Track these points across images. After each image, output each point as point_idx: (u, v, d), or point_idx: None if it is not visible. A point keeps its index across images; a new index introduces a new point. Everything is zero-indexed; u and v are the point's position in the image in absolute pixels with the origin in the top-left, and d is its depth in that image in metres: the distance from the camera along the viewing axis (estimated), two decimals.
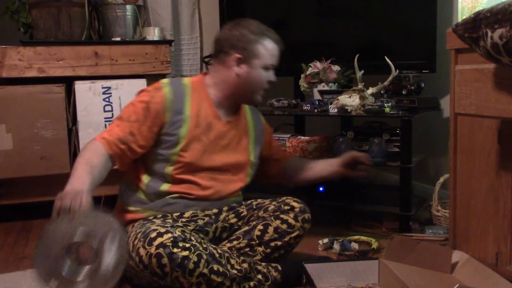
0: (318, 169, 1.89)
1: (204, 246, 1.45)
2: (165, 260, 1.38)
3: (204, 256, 1.42)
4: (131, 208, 1.67)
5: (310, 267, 1.52)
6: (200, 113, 1.66)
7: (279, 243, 1.65)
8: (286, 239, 1.65)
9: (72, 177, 1.48)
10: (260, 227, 1.66)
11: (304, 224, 1.68)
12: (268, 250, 1.65)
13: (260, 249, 1.64)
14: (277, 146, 2.01)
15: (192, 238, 1.45)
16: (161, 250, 1.38)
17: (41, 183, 2.43)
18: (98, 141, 1.57)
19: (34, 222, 2.44)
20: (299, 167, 1.91)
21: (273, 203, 1.73)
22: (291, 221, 1.67)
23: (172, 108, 1.61)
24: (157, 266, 1.38)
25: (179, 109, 1.62)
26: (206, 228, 1.65)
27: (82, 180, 1.46)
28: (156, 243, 1.39)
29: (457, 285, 1.27)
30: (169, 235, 1.41)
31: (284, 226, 1.66)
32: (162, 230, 1.43)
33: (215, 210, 1.68)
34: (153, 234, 1.42)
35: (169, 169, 1.62)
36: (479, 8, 1.88)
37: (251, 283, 1.53)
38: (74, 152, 2.47)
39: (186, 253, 1.39)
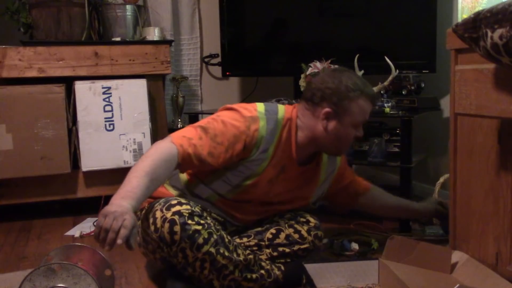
0: (411, 209, 1.96)
1: (217, 227, 1.48)
2: (177, 228, 1.40)
3: (215, 236, 1.44)
4: (167, 186, 1.65)
5: (310, 267, 1.52)
6: (281, 154, 1.59)
7: (287, 250, 1.65)
8: (295, 248, 1.65)
9: (124, 187, 1.33)
10: (272, 230, 1.66)
11: (316, 240, 1.68)
12: (275, 254, 1.64)
13: (268, 250, 1.64)
14: (353, 180, 1.90)
15: (208, 218, 1.48)
16: (176, 217, 1.40)
17: (41, 183, 2.43)
18: (175, 147, 1.44)
19: (34, 222, 2.44)
20: (385, 203, 1.94)
21: (290, 212, 1.73)
22: (304, 233, 1.67)
23: (261, 145, 1.54)
24: (168, 231, 1.40)
25: (266, 148, 1.55)
26: (226, 225, 1.67)
27: (131, 195, 1.31)
28: (174, 209, 1.42)
29: (458, 285, 1.27)
30: (188, 206, 1.44)
31: (296, 236, 1.66)
32: (184, 201, 1.46)
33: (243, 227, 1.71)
34: (174, 201, 1.45)
35: (229, 195, 1.60)
36: (479, 8, 1.88)
37: (254, 275, 1.53)
38: (74, 152, 2.47)
39: (199, 227, 1.42)
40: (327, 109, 1.57)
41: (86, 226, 2.34)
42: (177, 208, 1.43)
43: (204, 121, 1.55)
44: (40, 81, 2.41)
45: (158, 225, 1.42)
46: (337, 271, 1.57)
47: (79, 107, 2.45)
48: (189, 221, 1.41)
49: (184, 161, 1.46)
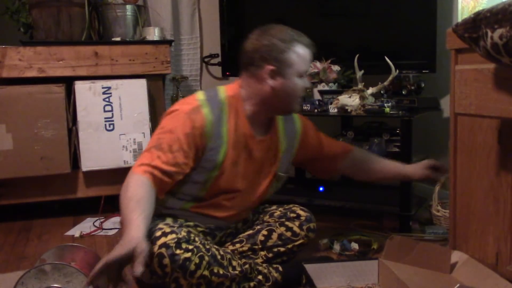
0: (402, 169, 1.83)
1: (207, 247, 1.44)
2: (166, 261, 1.37)
3: (206, 258, 1.42)
4: None
5: (309, 267, 1.52)
6: (237, 134, 1.56)
7: (282, 249, 1.65)
8: (290, 246, 1.65)
9: (127, 224, 1.30)
10: (264, 232, 1.65)
11: (309, 233, 1.68)
12: (270, 255, 1.64)
13: (263, 253, 1.64)
14: (328, 143, 1.85)
15: (196, 239, 1.44)
16: (163, 250, 1.37)
17: (41, 183, 2.43)
18: (142, 176, 1.41)
19: (34, 222, 2.44)
20: (374, 164, 1.83)
21: (280, 209, 1.73)
22: (296, 229, 1.66)
23: (212, 132, 1.51)
24: (158, 265, 1.38)
25: (218, 133, 1.53)
26: (216, 232, 1.65)
27: (136, 227, 1.28)
28: (159, 242, 1.38)
29: (458, 285, 1.27)
30: (173, 235, 1.40)
31: (289, 234, 1.65)
32: (168, 230, 1.42)
33: (229, 230, 1.69)
34: (158, 233, 1.40)
35: (202, 193, 1.57)
36: (479, 8, 1.88)
37: (251, 284, 1.53)
38: (74, 152, 2.47)
39: (188, 254, 1.39)
40: (269, 67, 1.53)
41: (86, 226, 2.34)
42: (162, 240, 1.38)
43: (154, 140, 1.50)
44: (40, 81, 2.41)
45: (147, 261, 1.35)
46: (337, 271, 1.57)
47: (79, 107, 2.45)
48: (177, 251, 1.37)
49: (158, 185, 1.43)
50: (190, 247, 1.40)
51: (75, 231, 2.24)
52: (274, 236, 1.65)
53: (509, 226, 1.44)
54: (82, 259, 1.44)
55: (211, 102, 1.55)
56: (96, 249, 1.48)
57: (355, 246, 1.92)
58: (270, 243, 1.64)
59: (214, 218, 1.62)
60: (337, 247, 1.91)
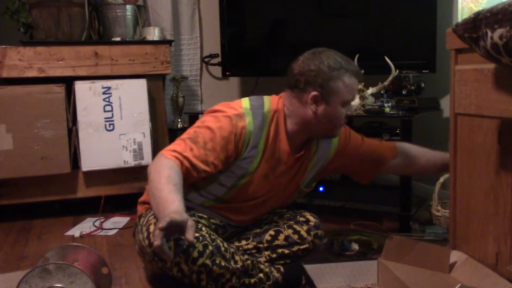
0: (444, 158, 1.79)
1: (213, 237, 1.46)
2: (171, 243, 1.37)
3: (210, 248, 1.43)
4: None
5: (309, 268, 1.52)
6: (273, 148, 1.58)
7: (286, 251, 1.65)
8: (295, 249, 1.65)
9: (163, 201, 1.33)
10: (271, 232, 1.66)
11: (316, 239, 1.68)
12: (274, 255, 1.64)
13: (267, 252, 1.64)
14: (369, 146, 1.81)
15: (204, 228, 1.46)
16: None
17: (41, 183, 2.43)
18: (172, 160, 1.44)
19: (34, 222, 2.44)
20: (424, 156, 1.83)
21: (290, 211, 1.73)
22: (303, 233, 1.66)
23: (250, 142, 1.53)
24: None
25: (255, 143, 1.54)
26: (227, 228, 1.67)
27: (173, 201, 1.32)
28: None
29: (459, 285, 1.27)
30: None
31: (295, 237, 1.65)
32: None
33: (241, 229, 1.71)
34: None
35: (226, 196, 1.59)
36: (479, 8, 1.88)
37: (252, 280, 1.53)
38: (74, 152, 2.47)
39: (193, 240, 1.39)
40: (314, 93, 1.53)
41: (86, 226, 2.34)
42: None
43: (191, 132, 1.53)
44: (40, 81, 2.41)
45: (152, 239, 1.38)
46: (336, 271, 1.57)
47: (79, 107, 2.45)
48: (182, 236, 1.38)
49: (184, 175, 1.45)
50: (196, 234, 1.40)
51: (75, 231, 2.24)
52: (281, 237, 1.65)
53: (509, 226, 1.44)
54: (85, 259, 1.45)
55: (255, 112, 1.56)
56: (96, 249, 1.48)
57: (355, 246, 1.92)
58: (275, 243, 1.64)
59: (229, 220, 1.65)
60: (337, 247, 1.91)
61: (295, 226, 1.67)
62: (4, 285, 1.67)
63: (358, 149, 1.79)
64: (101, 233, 2.25)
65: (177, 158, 1.45)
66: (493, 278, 1.40)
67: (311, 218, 1.70)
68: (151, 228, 1.44)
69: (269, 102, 1.61)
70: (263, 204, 1.67)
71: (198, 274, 1.43)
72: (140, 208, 1.66)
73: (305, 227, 1.67)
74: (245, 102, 1.60)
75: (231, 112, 1.54)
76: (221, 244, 1.47)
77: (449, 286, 1.45)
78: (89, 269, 1.40)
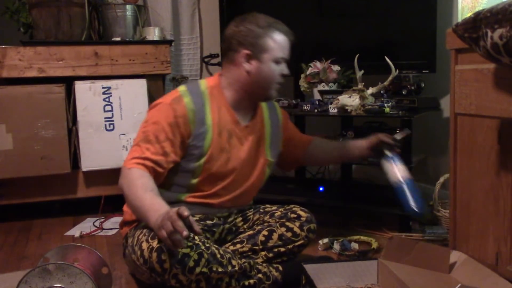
0: (345, 151, 1.87)
1: (207, 245, 1.45)
2: (165, 256, 1.38)
3: (205, 256, 1.42)
4: None
5: (309, 268, 1.52)
6: (220, 120, 1.62)
7: (282, 249, 1.65)
8: (290, 246, 1.65)
9: (149, 208, 1.40)
10: (264, 232, 1.65)
11: (309, 234, 1.68)
12: (271, 255, 1.64)
13: (263, 253, 1.64)
14: (295, 131, 1.92)
15: (196, 237, 1.45)
16: (162, 244, 1.38)
17: (41, 183, 2.43)
18: (136, 168, 1.49)
19: (34, 222, 2.44)
20: (325, 148, 1.91)
21: (280, 209, 1.73)
22: (296, 229, 1.66)
23: (195, 119, 1.57)
24: (156, 261, 1.38)
25: (202, 120, 1.58)
26: (214, 229, 1.66)
27: (158, 205, 1.40)
28: (158, 237, 1.39)
29: (459, 285, 1.27)
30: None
31: (289, 234, 1.65)
32: None
33: (225, 213, 1.70)
34: None
35: (194, 181, 1.61)
36: (479, 8, 1.88)
37: (251, 281, 1.53)
38: (74, 152, 2.47)
39: (187, 250, 1.39)
40: (245, 51, 1.60)
41: (86, 226, 2.34)
42: None
43: (140, 134, 1.57)
44: (40, 81, 2.41)
45: (146, 256, 1.40)
46: (336, 271, 1.57)
47: (79, 107, 2.45)
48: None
49: (153, 176, 1.51)
50: (189, 243, 1.41)
51: (75, 231, 2.24)
52: (275, 236, 1.65)
53: (509, 226, 1.44)
54: (85, 259, 1.45)
55: (192, 92, 1.61)
56: (96, 249, 1.48)
57: (355, 246, 1.92)
58: (270, 243, 1.64)
59: (210, 207, 1.64)
60: (337, 247, 1.91)
61: (287, 223, 1.67)
62: (4, 285, 1.67)
63: (290, 130, 1.87)
64: (101, 233, 2.25)
65: (139, 163, 1.50)
66: (493, 278, 1.41)
67: (302, 213, 1.70)
68: (144, 245, 1.42)
69: (205, 81, 1.68)
70: (235, 183, 1.66)
71: (197, 282, 1.43)
72: (124, 229, 1.68)
73: (297, 223, 1.67)
74: (181, 86, 1.66)
75: (168, 99, 1.59)
76: (216, 251, 1.46)
77: (449, 286, 1.45)
78: (89, 269, 1.40)
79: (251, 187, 1.72)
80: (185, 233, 1.24)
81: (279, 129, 1.80)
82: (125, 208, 1.70)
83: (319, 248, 1.96)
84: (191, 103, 1.58)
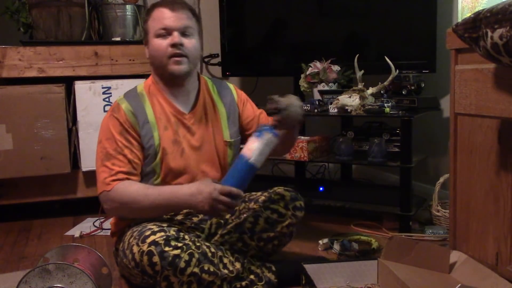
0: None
1: (197, 245, 1.45)
2: (156, 258, 1.38)
3: (196, 255, 1.43)
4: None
5: (309, 268, 1.52)
6: (162, 113, 1.62)
7: (271, 234, 1.62)
8: (278, 228, 1.62)
9: (178, 200, 1.51)
10: (250, 219, 1.63)
11: (296, 212, 1.64)
12: (261, 243, 1.62)
13: (253, 243, 1.61)
14: (254, 110, 1.81)
15: (186, 237, 1.45)
16: (152, 247, 1.39)
17: (41, 183, 2.43)
18: (115, 185, 1.52)
19: (34, 222, 2.44)
20: None
21: (264, 194, 1.69)
22: (281, 210, 1.62)
23: (137, 120, 1.59)
24: (148, 264, 1.39)
25: (144, 119, 1.60)
26: (201, 225, 1.65)
27: (180, 190, 1.52)
28: (148, 240, 1.41)
29: (459, 285, 1.27)
30: (162, 233, 1.42)
31: (275, 216, 1.62)
32: (156, 229, 1.45)
33: None
34: (147, 232, 1.43)
35: (157, 181, 1.61)
36: (479, 8, 1.88)
37: (243, 283, 1.52)
38: (74, 152, 2.47)
39: (177, 251, 1.40)
40: (144, 41, 1.67)
41: (86, 226, 2.34)
42: (152, 238, 1.41)
43: (99, 155, 1.58)
44: (40, 81, 2.41)
45: (138, 259, 1.41)
46: (336, 271, 1.57)
47: (79, 107, 2.45)
48: (166, 248, 1.39)
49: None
50: (180, 244, 1.41)
51: (75, 231, 2.24)
52: (261, 221, 1.62)
53: (509, 226, 1.44)
54: (85, 259, 1.45)
55: (128, 96, 1.65)
56: (96, 249, 1.48)
57: (355, 246, 1.92)
58: (257, 228, 1.61)
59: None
60: (337, 247, 1.91)
61: (271, 206, 1.63)
62: (4, 285, 1.67)
63: (249, 110, 1.79)
64: (101, 233, 2.25)
65: (114, 180, 1.52)
66: (493, 278, 1.41)
67: (285, 193, 1.66)
68: (135, 249, 1.42)
69: (142, 83, 1.71)
70: (199, 171, 1.65)
71: (189, 284, 1.43)
72: (114, 239, 1.71)
73: (282, 203, 1.63)
74: (120, 96, 1.69)
75: (109, 112, 1.63)
76: (207, 250, 1.47)
77: (449, 286, 1.45)
78: (89, 269, 1.40)
79: (217, 173, 1.70)
80: (236, 202, 1.44)
81: (235, 109, 1.76)
82: (113, 221, 1.72)
83: (319, 248, 1.96)
84: (129, 106, 1.60)
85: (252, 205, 1.68)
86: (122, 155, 1.55)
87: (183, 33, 1.59)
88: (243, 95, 1.84)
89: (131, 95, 1.65)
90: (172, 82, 1.64)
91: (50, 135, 2.39)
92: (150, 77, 1.70)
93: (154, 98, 1.64)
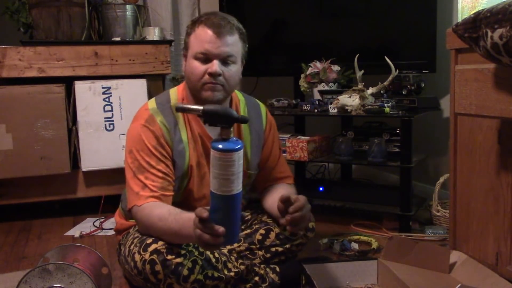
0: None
1: (201, 251, 1.43)
2: (158, 267, 1.37)
3: (199, 262, 1.41)
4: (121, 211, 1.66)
5: (309, 268, 1.52)
6: (194, 135, 1.56)
7: (280, 249, 1.63)
8: (288, 245, 1.63)
9: (183, 234, 1.34)
10: (262, 231, 1.63)
11: (308, 232, 1.66)
12: (268, 255, 1.62)
13: (260, 253, 1.62)
14: (276, 161, 1.72)
15: (190, 244, 1.43)
16: (155, 256, 1.38)
17: (41, 183, 2.43)
18: (150, 203, 1.44)
19: (34, 222, 2.44)
20: (274, 196, 1.61)
21: None
22: None
23: (172, 138, 1.52)
24: (150, 272, 1.38)
25: (178, 137, 1.53)
26: None
27: (187, 224, 1.30)
28: (150, 249, 1.39)
29: (459, 285, 1.27)
30: (164, 241, 1.40)
31: (286, 233, 1.63)
32: None
33: None
34: (149, 240, 1.41)
35: (177, 199, 1.55)
36: (479, 8, 1.88)
37: (247, 285, 1.52)
38: (74, 152, 2.47)
39: (180, 259, 1.38)
40: (183, 52, 1.56)
41: (86, 226, 2.34)
42: (154, 246, 1.39)
43: (130, 167, 1.50)
44: (40, 81, 2.41)
45: (140, 268, 1.39)
46: (336, 271, 1.57)
47: (79, 107, 2.45)
48: (169, 256, 1.37)
49: (164, 202, 1.46)
50: (182, 252, 1.40)
51: (75, 231, 2.24)
52: (272, 235, 1.62)
53: (509, 226, 1.44)
54: (85, 259, 1.45)
55: (163, 109, 1.55)
56: (96, 249, 1.48)
57: (355, 246, 1.92)
58: (267, 242, 1.62)
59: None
60: (337, 247, 1.91)
61: None
62: (4, 285, 1.67)
63: (271, 147, 1.70)
64: (101, 233, 2.25)
65: (147, 197, 1.44)
66: (493, 278, 1.41)
67: None
68: (137, 257, 1.41)
69: (175, 93, 1.59)
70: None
71: None
72: (118, 237, 1.69)
73: None
74: (151, 103, 1.58)
75: (141, 120, 1.52)
76: (211, 255, 1.45)
77: (449, 286, 1.45)
78: (89, 269, 1.40)
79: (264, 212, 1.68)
80: (221, 229, 1.15)
81: (261, 138, 1.67)
82: (116, 217, 1.71)
83: (319, 248, 1.95)
84: (165, 122, 1.52)
85: (264, 218, 1.68)
86: (156, 169, 1.47)
87: (224, 61, 1.48)
88: (273, 123, 1.73)
89: (166, 109, 1.55)
90: (203, 103, 1.55)
91: (50, 135, 2.39)
92: (183, 87, 1.60)
93: (185, 116, 1.56)
